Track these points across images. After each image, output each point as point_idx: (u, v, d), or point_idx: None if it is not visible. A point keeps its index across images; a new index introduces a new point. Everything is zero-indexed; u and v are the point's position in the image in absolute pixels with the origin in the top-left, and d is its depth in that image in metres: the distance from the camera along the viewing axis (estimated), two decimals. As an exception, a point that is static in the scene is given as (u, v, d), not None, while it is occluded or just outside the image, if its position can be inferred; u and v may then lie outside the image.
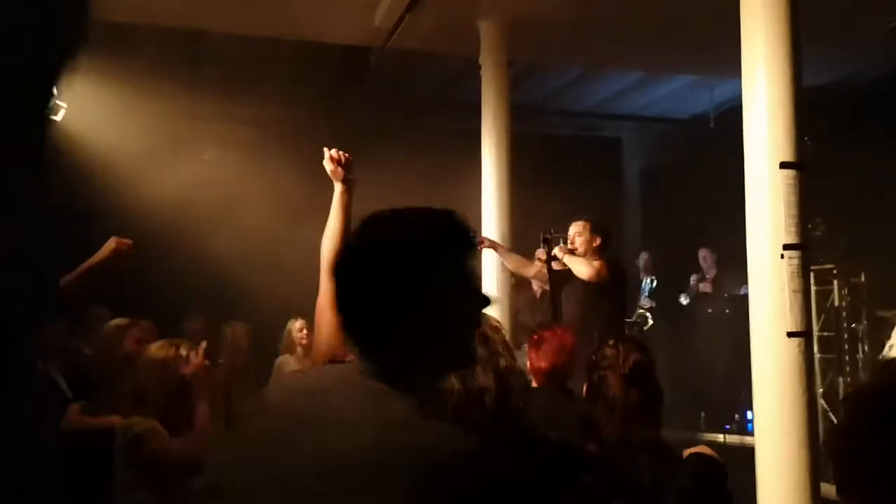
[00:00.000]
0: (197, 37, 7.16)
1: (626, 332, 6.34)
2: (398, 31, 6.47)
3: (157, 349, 2.94)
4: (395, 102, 8.61)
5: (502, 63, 6.47)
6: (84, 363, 4.15)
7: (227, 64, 7.64)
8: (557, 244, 5.07)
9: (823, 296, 6.81)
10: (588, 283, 4.80)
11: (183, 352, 2.91)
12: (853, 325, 6.90)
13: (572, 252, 4.98)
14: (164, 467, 2.70)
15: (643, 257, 9.35)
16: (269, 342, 6.23)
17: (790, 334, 3.54)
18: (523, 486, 1.14)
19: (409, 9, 6.09)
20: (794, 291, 3.55)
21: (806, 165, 3.66)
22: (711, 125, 8.74)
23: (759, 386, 3.64)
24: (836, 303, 6.92)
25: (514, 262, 5.57)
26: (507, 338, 1.88)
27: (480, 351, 1.56)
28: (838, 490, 1.39)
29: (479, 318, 1.35)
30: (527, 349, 3.41)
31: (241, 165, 7.48)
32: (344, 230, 2.13)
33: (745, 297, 3.92)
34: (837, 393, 6.55)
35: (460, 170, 6.77)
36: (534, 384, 3.30)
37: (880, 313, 6.52)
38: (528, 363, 3.36)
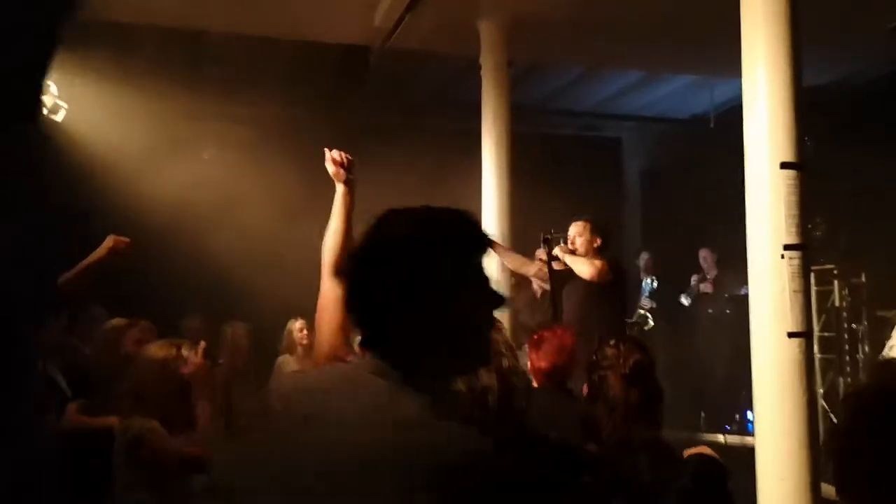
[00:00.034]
0: (197, 37, 7.16)
1: (627, 332, 6.33)
2: (398, 30, 6.46)
3: (156, 349, 2.94)
4: (395, 102, 8.61)
5: (502, 63, 6.47)
6: (84, 363, 4.15)
7: (227, 64, 7.64)
8: (557, 244, 5.06)
9: (824, 296, 6.81)
10: (588, 283, 4.80)
11: (182, 352, 2.91)
12: (853, 326, 6.90)
13: (573, 252, 4.98)
14: (164, 467, 2.70)
15: (643, 257, 9.34)
16: (269, 342, 6.23)
17: (791, 334, 3.54)
18: (529, 487, 1.14)
19: (409, 9, 6.09)
20: (794, 292, 3.55)
21: (806, 165, 3.66)
22: (711, 125, 8.74)
23: (759, 386, 3.63)
24: (837, 303, 6.92)
25: (514, 262, 5.56)
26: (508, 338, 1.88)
27: None
28: (838, 490, 1.39)
29: (494, 318, 1.34)
30: (527, 349, 3.40)
31: (240, 165, 7.48)
32: (346, 231, 2.13)
33: (746, 297, 3.92)
34: (838, 393, 6.55)
35: (460, 170, 6.77)
36: (534, 384, 3.30)
37: (880, 313, 6.52)
38: (528, 363, 3.35)
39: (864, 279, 6.97)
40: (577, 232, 5.06)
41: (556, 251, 5.00)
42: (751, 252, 3.73)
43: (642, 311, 8.88)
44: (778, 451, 3.50)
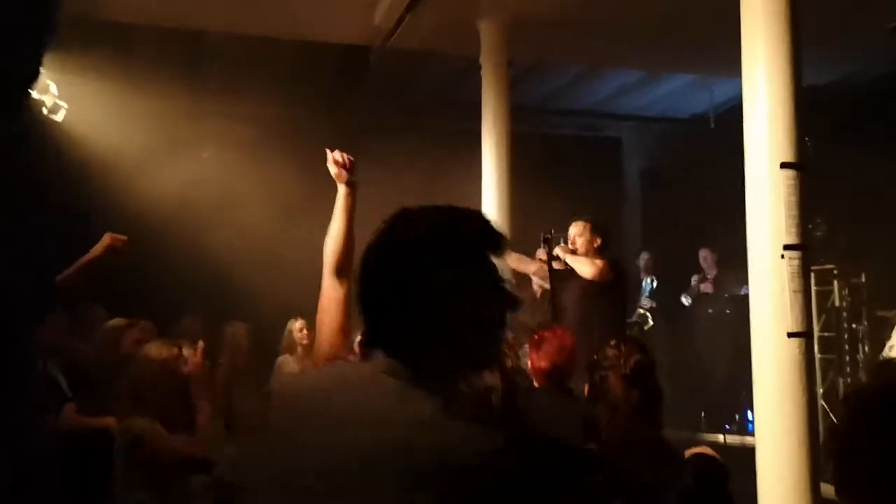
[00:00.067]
0: (197, 37, 7.16)
1: (627, 332, 6.33)
2: (398, 30, 6.46)
3: (155, 349, 2.94)
4: (396, 102, 8.61)
5: (502, 63, 6.48)
6: (84, 363, 4.15)
7: (227, 64, 7.64)
8: (558, 244, 5.07)
9: (824, 296, 6.80)
10: (589, 282, 4.80)
11: (181, 351, 2.90)
12: (853, 326, 6.90)
13: (573, 252, 4.99)
14: (163, 467, 2.69)
15: (643, 257, 9.34)
16: (268, 342, 6.23)
17: (790, 334, 3.54)
18: (536, 486, 1.14)
19: (409, 8, 6.09)
20: (794, 292, 3.55)
21: (806, 165, 3.66)
22: (711, 125, 8.74)
23: (759, 386, 3.63)
24: (837, 303, 6.92)
25: (514, 260, 5.56)
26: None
27: None
28: (837, 490, 1.39)
29: (507, 319, 1.34)
30: (527, 349, 3.41)
31: (240, 165, 7.48)
32: (347, 232, 2.13)
33: (746, 297, 3.92)
34: (838, 393, 6.55)
35: (460, 169, 6.77)
36: (534, 384, 3.30)
37: (880, 313, 6.52)
38: (528, 363, 3.35)
39: (864, 279, 6.97)
40: (577, 232, 5.06)
41: (557, 251, 5.00)
42: (751, 252, 3.73)
43: (642, 311, 8.89)
44: (778, 451, 3.50)
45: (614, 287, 4.89)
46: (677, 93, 9.04)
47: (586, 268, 4.82)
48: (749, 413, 6.63)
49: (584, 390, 2.47)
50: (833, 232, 6.86)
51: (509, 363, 1.75)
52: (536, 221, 5.54)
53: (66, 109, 6.18)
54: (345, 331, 1.95)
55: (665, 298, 8.99)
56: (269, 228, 7.25)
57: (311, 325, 5.42)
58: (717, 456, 2.09)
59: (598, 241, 5.03)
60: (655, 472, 2.03)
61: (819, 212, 6.34)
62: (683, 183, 9.04)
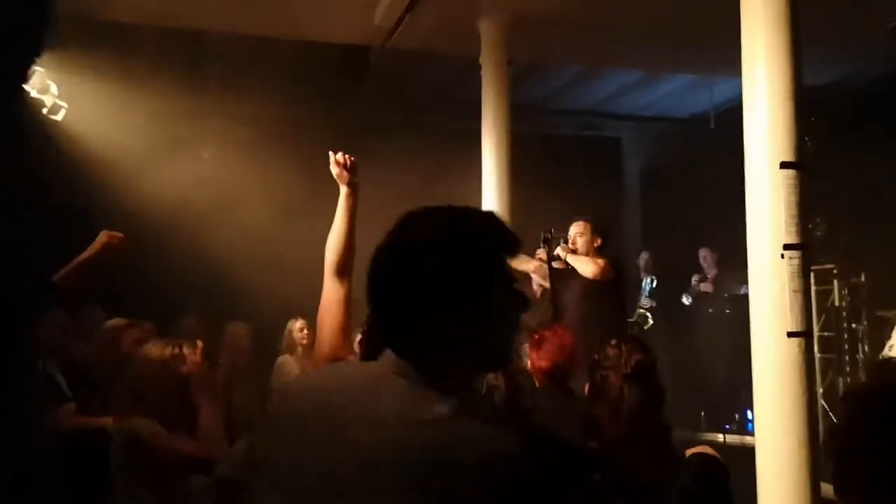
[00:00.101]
0: (197, 37, 7.16)
1: (628, 331, 6.33)
2: (398, 30, 6.46)
3: (154, 349, 2.93)
4: (396, 102, 8.61)
5: (502, 62, 6.47)
6: (84, 362, 4.15)
7: (227, 63, 7.64)
8: (557, 244, 5.07)
9: (824, 296, 6.81)
10: (589, 282, 4.81)
11: (180, 351, 2.90)
12: (853, 325, 6.90)
13: (574, 252, 4.99)
14: (163, 467, 2.69)
15: (643, 257, 9.34)
16: (268, 342, 6.23)
17: (790, 334, 3.54)
18: (547, 487, 1.14)
19: (409, 8, 6.09)
20: (794, 291, 3.55)
21: (806, 165, 3.66)
22: (711, 125, 8.74)
23: (759, 386, 3.63)
24: (837, 303, 6.92)
25: (514, 260, 5.56)
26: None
27: None
28: (836, 489, 1.39)
29: (519, 320, 1.33)
30: (527, 349, 3.40)
31: (240, 165, 7.48)
32: (349, 233, 2.13)
33: (746, 296, 3.92)
34: (838, 393, 6.55)
35: (460, 169, 6.77)
36: (535, 384, 3.30)
37: (880, 313, 6.53)
38: (528, 363, 3.35)
39: (863, 279, 6.97)
40: (577, 231, 5.07)
41: (558, 251, 5.00)
42: (751, 252, 3.73)
43: (642, 311, 8.89)
44: (778, 451, 3.50)
45: (615, 286, 4.90)
46: (677, 93, 9.04)
47: (588, 267, 4.82)
48: (749, 413, 6.63)
49: (584, 390, 2.47)
50: (833, 232, 6.86)
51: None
52: (536, 221, 5.53)
53: (66, 109, 6.18)
54: (345, 331, 1.96)
55: (665, 298, 8.99)
56: (269, 228, 7.25)
57: (312, 325, 5.43)
58: (718, 455, 2.09)
59: (599, 240, 5.03)
60: (656, 472, 2.03)
61: (819, 212, 6.34)
62: (683, 183, 9.04)
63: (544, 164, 8.52)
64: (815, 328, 5.60)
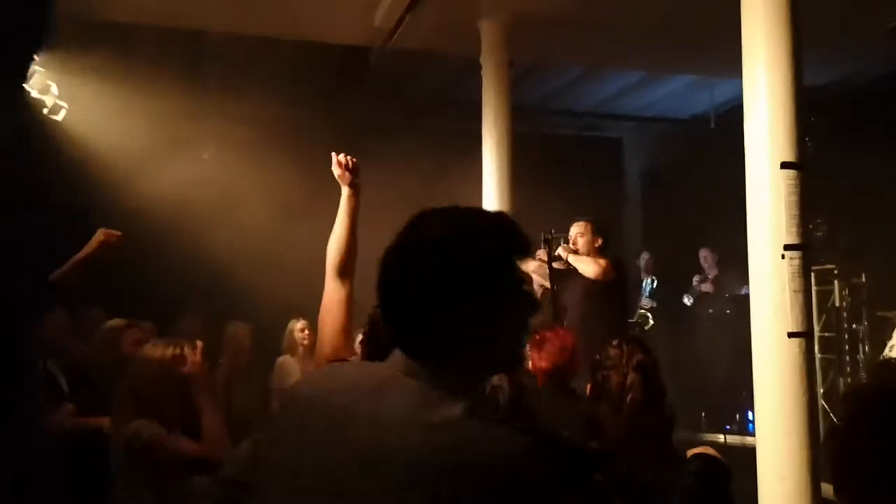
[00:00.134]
0: (197, 37, 7.16)
1: (629, 331, 6.33)
2: (398, 31, 6.46)
3: (154, 349, 2.93)
4: (396, 102, 8.61)
5: (503, 63, 6.47)
6: (84, 362, 4.15)
7: (227, 63, 7.64)
8: (558, 244, 5.07)
9: (824, 296, 6.81)
10: (591, 282, 4.81)
11: (180, 351, 2.89)
12: (854, 326, 6.90)
13: (575, 252, 4.99)
14: (163, 467, 2.69)
15: (644, 257, 9.35)
16: (269, 342, 6.23)
17: (791, 334, 3.53)
18: (553, 487, 1.13)
19: (409, 9, 6.08)
20: (794, 292, 3.55)
21: (806, 165, 3.66)
22: (712, 125, 8.74)
23: (759, 386, 3.63)
24: (837, 303, 6.92)
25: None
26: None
27: None
28: (836, 490, 1.39)
29: (530, 322, 1.33)
30: (528, 349, 3.40)
31: (240, 165, 7.47)
32: (350, 233, 2.14)
33: (746, 297, 3.92)
34: (838, 393, 6.55)
35: (460, 170, 6.77)
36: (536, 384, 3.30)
37: (881, 313, 6.53)
38: (529, 363, 3.35)
39: (864, 279, 6.97)
40: (578, 232, 5.07)
41: (560, 251, 5.00)
42: (751, 252, 3.73)
43: (642, 311, 8.89)
44: (778, 451, 3.50)
45: (616, 287, 4.90)
46: (678, 93, 9.04)
47: (590, 267, 4.82)
48: (749, 413, 6.63)
49: (585, 390, 2.47)
50: (833, 232, 6.86)
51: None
52: (536, 221, 5.52)
53: (67, 109, 6.18)
54: (347, 331, 1.96)
55: (665, 298, 8.99)
56: (269, 228, 7.25)
57: (313, 326, 5.42)
58: (719, 456, 2.09)
59: (600, 240, 5.04)
60: (657, 472, 2.03)
61: (819, 212, 6.34)
62: (684, 183, 9.04)
63: (545, 164, 8.52)
64: (816, 328, 5.60)
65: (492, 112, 6.47)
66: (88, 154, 6.75)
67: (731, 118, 4.99)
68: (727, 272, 8.17)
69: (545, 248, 5.11)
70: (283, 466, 1.24)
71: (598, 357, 2.38)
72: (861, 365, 6.74)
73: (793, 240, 3.57)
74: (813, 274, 4.41)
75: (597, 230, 5.07)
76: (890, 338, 5.78)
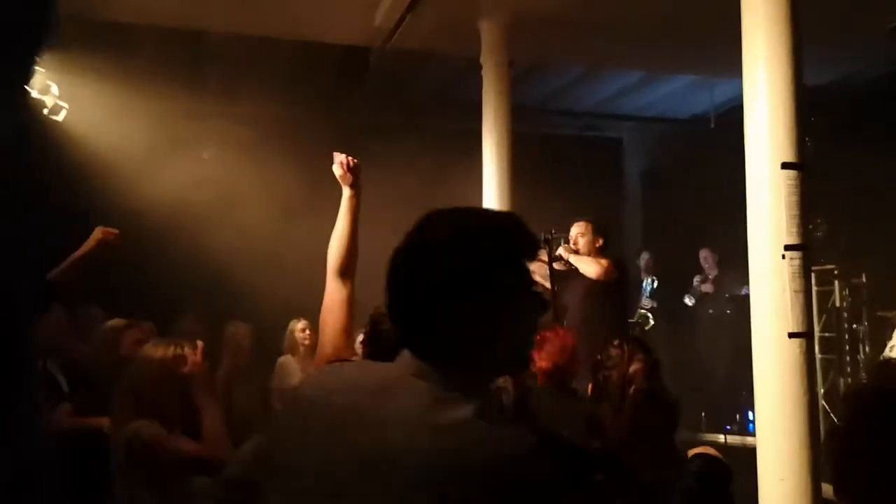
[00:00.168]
0: (197, 37, 7.16)
1: (629, 331, 6.33)
2: (398, 31, 6.46)
3: (154, 349, 2.93)
4: (396, 102, 8.61)
5: (503, 63, 6.47)
6: (84, 362, 4.15)
7: (227, 64, 7.64)
8: (558, 245, 5.07)
9: (824, 296, 6.81)
10: (592, 282, 4.81)
11: (180, 351, 2.89)
12: (854, 326, 6.90)
13: (576, 252, 4.99)
14: (163, 467, 2.69)
15: (644, 257, 9.35)
16: (269, 342, 6.23)
17: (791, 335, 3.53)
18: (558, 487, 1.14)
19: (409, 9, 6.08)
20: (795, 292, 3.55)
21: (806, 165, 3.66)
22: (712, 125, 8.74)
23: (760, 386, 3.63)
24: (837, 303, 6.92)
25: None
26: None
27: None
28: (836, 490, 1.39)
29: (539, 323, 1.33)
30: (529, 349, 3.40)
31: (240, 165, 7.48)
32: (351, 234, 2.13)
33: (747, 297, 3.92)
34: (839, 393, 6.55)
35: (461, 170, 6.77)
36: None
37: (881, 314, 6.53)
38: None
39: (864, 279, 6.97)
40: (579, 232, 5.07)
41: (561, 251, 5.00)
42: (751, 252, 3.73)
43: (643, 311, 8.89)
44: (779, 452, 3.50)
45: (617, 287, 4.90)
46: (678, 93, 9.04)
47: (591, 268, 4.82)
48: (750, 413, 6.63)
49: (586, 390, 2.47)
50: (833, 232, 6.86)
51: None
52: (536, 221, 5.50)
53: (67, 110, 6.18)
54: (348, 331, 1.96)
55: (666, 298, 8.99)
56: (269, 228, 7.25)
57: (314, 326, 5.43)
58: (720, 456, 2.09)
59: (600, 240, 5.04)
60: (658, 472, 2.03)
61: (819, 212, 6.34)
62: (684, 183, 9.04)
63: (545, 164, 8.52)
64: (816, 329, 5.60)
65: (492, 112, 6.47)
66: (89, 154, 6.75)
67: (731, 118, 4.99)
68: (727, 272, 8.17)
69: (545, 248, 5.11)
70: (288, 466, 1.24)
71: (599, 357, 2.38)
72: (861, 365, 6.74)
73: (793, 240, 3.56)
74: (813, 274, 4.42)
75: (597, 230, 5.07)
76: (890, 338, 5.78)
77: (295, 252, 5.85)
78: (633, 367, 2.26)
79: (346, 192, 2.21)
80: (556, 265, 5.04)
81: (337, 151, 2.27)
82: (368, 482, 1.11)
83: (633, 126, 10.49)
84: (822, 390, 6.38)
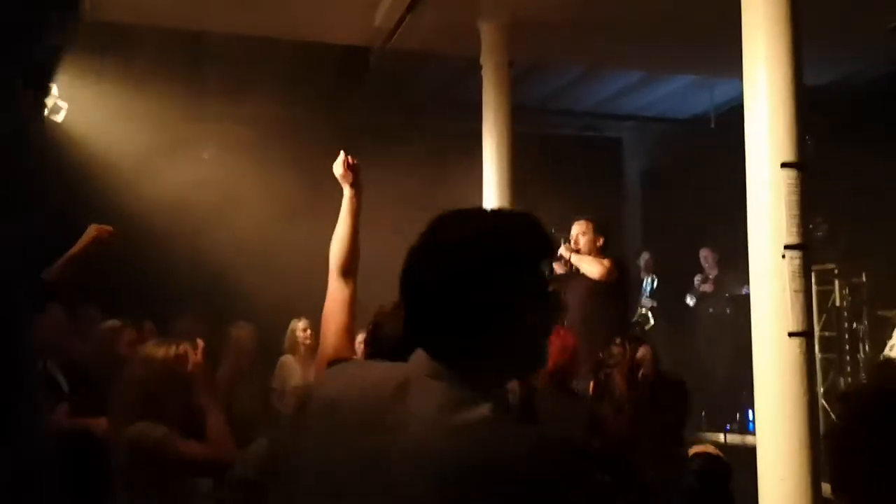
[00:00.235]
0: (197, 37, 7.16)
1: (630, 331, 6.33)
2: (398, 31, 6.46)
3: (155, 349, 2.92)
4: (396, 103, 8.61)
5: (503, 63, 6.47)
6: (84, 363, 4.15)
7: (227, 64, 7.64)
8: (558, 244, 5.07)
9: (824, 296, 6.81)
10: (592, 282, 4.81)
11: (182, 351, 2.88)
12: (854, 325, 6.91)
13: (577, 252, 4.99)
14: (165, 468, 2.68)
15: (644, 257, 9.35)
16: (269, 342, 6.23)
17: (791, 334, 3.53)
18: (562, 487, 1.14)
19: (409, 9, 6.08)
20: (795, 291, 3.54)
21: (806, 165, 3.66)
22: (712, 125, 8.74)
23: (760, 386, 3.63)
24: (837, 303, 6.93)
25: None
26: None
27: None
28: (834, 489, 1.39)
29: (554, 323, 1.32)
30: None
31: (240, 166, 7.48)
32: (352, 234, 2.13)
33: (747, 296, 3.92)
34: (839, 393, 6.55)
35: (461, 170, 6.77)
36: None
37: (881, 313, 6.53)
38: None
39: (864, 279, 6.98)
40: (580, 231, 5.06)
41: (562, 251, 5.00)
42: (752, 252, 3.73)
43: (643, 311, 8.89)
44: (779, 451, 3.50)
45: (619, 287, 4.90)
46: (678, 93, 9.04)
47: (593, 267, 4.82)
48: (750, 412, 6.63)
49: (587, 390, 2.47)
50: (833, 232, 6.86)
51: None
52: (537, 221, 5.52)
53: (67, 110, 6.18)
54: (349, 331, 1.95)
55: (666, 298, 8.99)
56: (269, 229, 7.25)
57: (314, 326, 5.43)
58: (721, 455, 2.09)
59: (601, 239, 5.03)
60: (659, 470, 2.03)
61: (819, 212, 6.34)
62: (684, 183, 9.04)
63: (545, 164, 8.52)
64: (816, 328, 5.60)
65: (492, 112, 6.46)
66: (89, 154, 6.75)
67: (731, 118, 5.00)
68: (727, 272, 8.17)
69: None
70: (305, 468, 1.24)
71: (601, 356, 2.39)
72: (861, 365, 6.75)
73: (793, 239, 3.56)
74: (813, 274, 4.41)
75: (598, 229, 5.06)
76: (890, 337, 5.79)
77: (295, 252, 5.85)
78: (640, 353, 2.27)
79: (347, 192, 2.20)
80: (555, 265, 5.04)
81: (338, 152, 2.27)
82: (386, 482, 1.11)
83: (633, 126, 10.49)
84: (822, 390, 6.38)
